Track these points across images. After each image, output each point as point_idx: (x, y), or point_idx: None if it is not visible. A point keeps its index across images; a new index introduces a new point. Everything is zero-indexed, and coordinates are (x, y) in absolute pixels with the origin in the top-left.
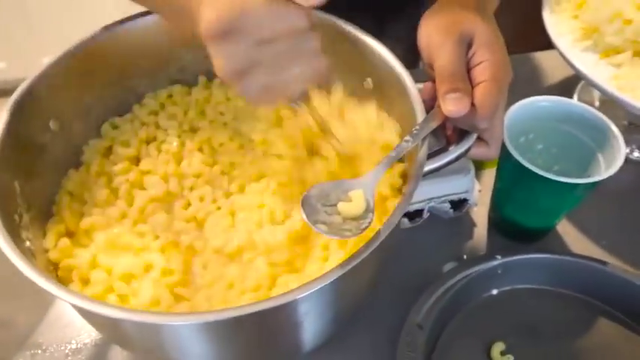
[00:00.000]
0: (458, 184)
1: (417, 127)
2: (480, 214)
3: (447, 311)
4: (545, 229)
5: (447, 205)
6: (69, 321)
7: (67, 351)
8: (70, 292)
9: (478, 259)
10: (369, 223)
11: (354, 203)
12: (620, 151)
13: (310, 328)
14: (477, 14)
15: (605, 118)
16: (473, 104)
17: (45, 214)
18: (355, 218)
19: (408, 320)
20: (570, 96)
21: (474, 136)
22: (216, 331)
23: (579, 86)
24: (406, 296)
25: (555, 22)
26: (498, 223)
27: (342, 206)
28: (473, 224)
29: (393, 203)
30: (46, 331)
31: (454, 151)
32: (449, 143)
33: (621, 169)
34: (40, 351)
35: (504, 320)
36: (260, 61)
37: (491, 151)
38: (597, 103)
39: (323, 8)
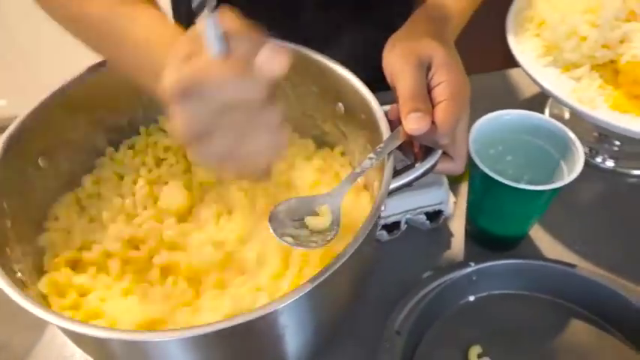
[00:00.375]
0: (432, 196)
1: (382, 145)
2: (457, 225)
3: (425, 318)
4: (518, 236)
5: (423, 217)
6: (63, 341)
7: None
8: (57, 314)
9: (453, 267)
10: (334, 235)
11: (320, 217)
12: (580, 158)
13: (293, 341)
14: (435, 40)
15: (565, 128)
16: (434, 122)
17: (36, 247)
18: (322, 231)
19: (387, 327)
20: (542, 111)
21: (439, 152)
22: (199, 347)
23: (549, 101)
24: (387, 306)
25: (519, 41)
26: (474, 233)
27: (309, 220)
28: (450, 235)
29: None
30: (40, 353)
31: (420, 168)
32: (416, 160)
33: (593, 177)
34: None
35: (481, 325)
36: (220, 127)
37: (457, 166)
38: (567, 116)
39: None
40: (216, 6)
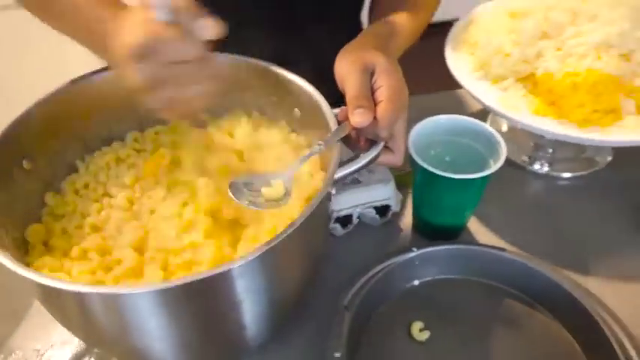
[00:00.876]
0: (380, 192)
1: (329, 135)
2: (406, 221)
3: (372, 297)
4: (457, 227)
5: (373, 212)
6: (40, 332)
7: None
8: (33, 271)
9: (397, 252)
10: (286, 202)
11: (274, 188)
12: (503, 153)
13: (251, 310)
14: (379, 51)
15: (490, 128)
16: (375, 118)
17: (21, 240)
18: (276, 200)
19: (337, 304)
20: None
21: (381, 145)
22: (166, 301)
23: (490, 116)
24: (340, 290)
25: (456, 59)
26: (419, 226)
27: (265, 190)
28: (400, 230)
29: None
30: (16, 342)
31: (365, 158)
32: (361, 152)
33: (531, 181)
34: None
35: (423, 305)
36: (167, 79)
37: (396, 158)
38: (505, 129)
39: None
40: None
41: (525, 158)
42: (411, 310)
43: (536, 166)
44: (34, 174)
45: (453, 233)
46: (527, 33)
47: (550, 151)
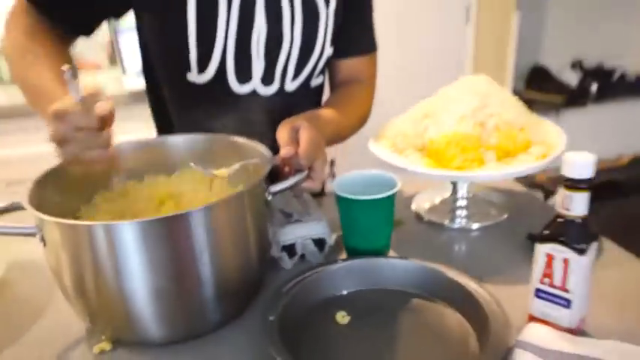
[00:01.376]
0: (315, 228)
1: (265, 157)
2: (342, 257)
3: (302, 297)
4: (380, 250)
5: (312, 244)
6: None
7: None
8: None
9: (326, 263)
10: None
11: (220, 172)
12: (398, 186)
13: (209, 262)
14: (305, 120)
15: (389, 174)
16: (297, 153)
17: None
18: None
19: (275, 292)
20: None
21: (305, 173)
22: (147, 234)
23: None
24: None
25: (377, 144)
26: (350, 253)
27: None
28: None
29: None
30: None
31: (293, 179)
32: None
33: (451, 233)
34: None
35: (348, 302)
36: (72, 139)
37: (315, 184)
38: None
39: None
40: (76, 76)
41: (447, 219)
42: (337, 307)
43: (456, 223)
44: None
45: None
46: (418, 114)
47: (465, 212)
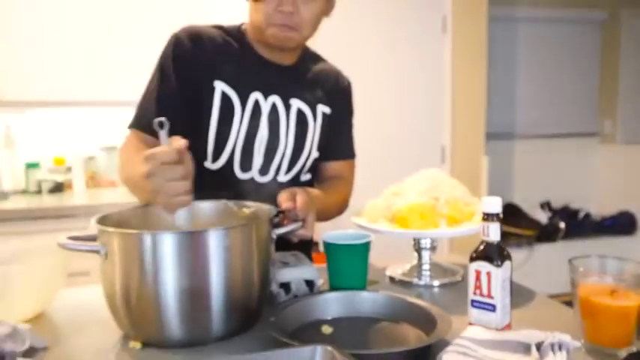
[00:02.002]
0: (307, 271)
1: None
2: None
3: (296, 313)
4: (358, 288)
5: (304, 284)
6: None
7: None
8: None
9: (312, 294)
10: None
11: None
12: (371, 238)
13: (218, 272)
14: (300, 188)
15: (366, 232)
16: (295, 207)
17: None
18: None
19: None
20: None
21: (300, 223)
22: (181, 243)
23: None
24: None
25: (355, 218)
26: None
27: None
28: None
29: None
30: None
31: (291, 226)
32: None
33: (413, 288)
34: None
35: (332, 322)
36: (159, 172)
37: (307, 233)
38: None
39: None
40: (164, 126)
41: (415, 278)
42: (323, 323)
43: (422, 280)
44: None
45: None
46: (389, 191)
47: (429, 273)
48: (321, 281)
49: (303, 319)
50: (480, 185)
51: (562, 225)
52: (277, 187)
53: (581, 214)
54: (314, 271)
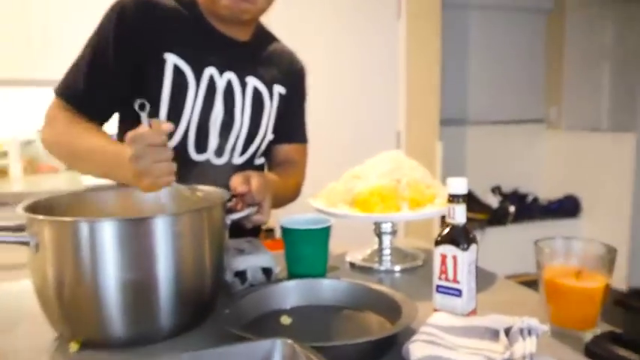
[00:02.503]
0: (263, 259)
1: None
2: None
3: (252, 303)
4: (318, 275)
5: (260, 271)
6: None
7: None
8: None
9: (270, 283)
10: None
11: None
12: (330, 222)
13: (165, 263)
14: (254, 172)
15: (326, 216)
16: (250, 191)
17: None
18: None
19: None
20: None
21: (255, 207)
22: (122, 232)
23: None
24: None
25: (313, 201)
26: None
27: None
28: None
29: None
30: None
31: (246, 210)
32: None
33: (374, 274)
34: None
35: (291, 312)
36: (146, 154)
37: (263, 217)
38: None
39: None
40: (145, 108)
41: (375, 264)
42: (282, 313)
43: (382, 265)
44: None
45: None
46: (348, 175)
47: (389, 257)
48: (278, 269)
49: (260, 310)
50: (434, 170)
51: (512, 209)
52: (232, 170)
53: (530, 198)
54: (271, 258)
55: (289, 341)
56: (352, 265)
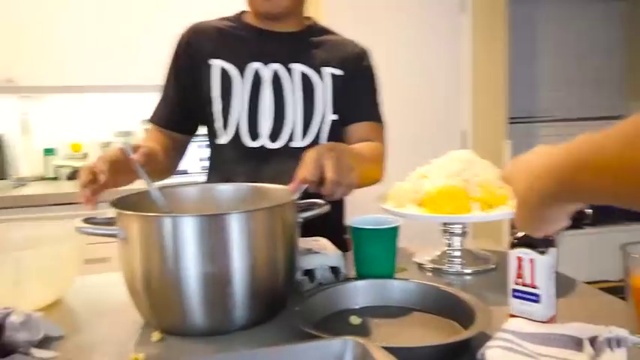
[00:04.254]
0: (332, 258)
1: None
2: None
3: (322, 302)
4: (385, 277)
5: (329, 270)
6: None
7: None
8: None
9: (339, 282)
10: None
11: None
12: (398, 222)
13: (240, 257)
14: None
15: (390, 217)
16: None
17: None
18: None
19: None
20: None
21: (327, 206)
22: (202, 227)
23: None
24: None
25: (382, 203)
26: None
27: None
28: None
29: None
30: None
31: (315, 211)
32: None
33: (443, 276)
34: None
35: (361, 312)
36: (87, 172)
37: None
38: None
39: None
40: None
41: (444, 266)
42: (351, 313)
43: (452, 268)
44: None
45: None
46: (414, 175)
47: (459, 260)
48: (344, 268)
49: (329, 309)
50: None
51: (589, 211)
52: (294, 153)
53: None
54: (339, 257)
55: (361, 341)
56: (420, 266)
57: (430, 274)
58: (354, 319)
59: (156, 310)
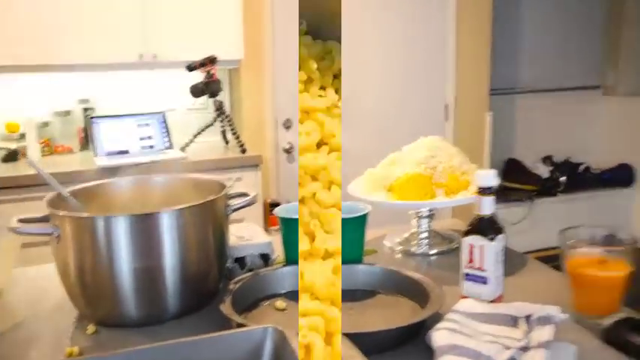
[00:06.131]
0: (262, 246)
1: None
2: None
3: (253, 290)
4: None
5: (258, 257)
6: None
7: None
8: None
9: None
10: None
11: None
12: (365, 210)
13: (172, 251)
14: None
15: (360, 204)
16: None
17: None
18: None
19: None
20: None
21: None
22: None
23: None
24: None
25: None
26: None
27: None
28: None
29: None
30: None
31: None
32: None
33: (411, 257)
34: None
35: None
36: None
37: None
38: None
39: None
40: None
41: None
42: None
43: (419, 249)
44: None
45: None
46: (386, 161)
47: (426, 241)
48: (275, 255)
49: (257, 294)
50: (484, 142)
51: (562, 179)
52: None
53: (582, 168)
54: (269, 244)
55: (280, 328)
56: (390, 249)
57: (400, 255)
58: (280, 304)
59: (90, 304)
